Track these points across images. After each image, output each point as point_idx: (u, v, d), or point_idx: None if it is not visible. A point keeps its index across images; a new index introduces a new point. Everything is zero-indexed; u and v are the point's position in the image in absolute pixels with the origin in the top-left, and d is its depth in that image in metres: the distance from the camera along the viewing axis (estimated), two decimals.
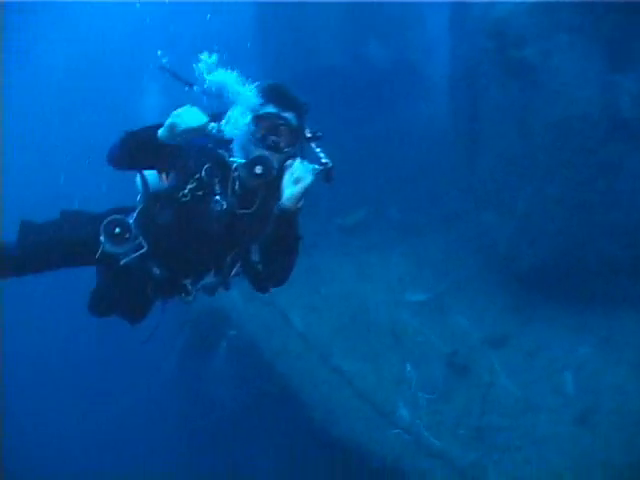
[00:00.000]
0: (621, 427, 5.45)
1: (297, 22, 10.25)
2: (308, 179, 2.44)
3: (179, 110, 2.50)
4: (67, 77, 15.76)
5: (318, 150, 2.64)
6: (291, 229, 2.54)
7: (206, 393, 8.09)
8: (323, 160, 2.57)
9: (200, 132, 2.52)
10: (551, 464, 5.30)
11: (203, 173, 2.62)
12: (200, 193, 2.61)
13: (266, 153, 2.56)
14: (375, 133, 10.31)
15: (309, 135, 2.69)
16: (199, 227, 2.65)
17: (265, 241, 2.62)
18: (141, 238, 2.71)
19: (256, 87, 2.59)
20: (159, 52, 2.76)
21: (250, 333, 7.61)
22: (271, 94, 2.62)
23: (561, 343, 6.63)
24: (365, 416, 6.41)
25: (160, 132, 2.53)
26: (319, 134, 2.68)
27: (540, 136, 7.35)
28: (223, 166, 2.63)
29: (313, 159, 2.61)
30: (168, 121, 2.50)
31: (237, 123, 2.59)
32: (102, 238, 2.66)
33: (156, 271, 2.73)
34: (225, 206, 2.59)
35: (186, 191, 2.62)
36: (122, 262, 2.70)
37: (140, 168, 2.77)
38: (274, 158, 2.55)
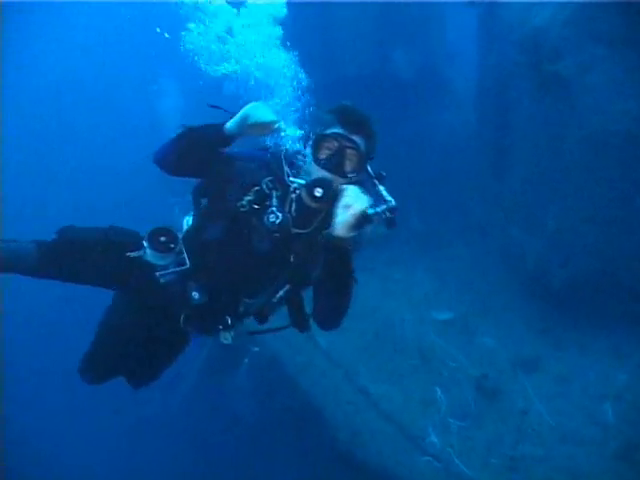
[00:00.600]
0: None
1: (325, 28, 10.05)
2: (361, 205, 2.25)
3: (253, 103, 2.44)
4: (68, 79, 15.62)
5: (382, 188, 2.44)
6: (343, 264, 2.37)
7: (228, 408, 7.91)
8: (387, 198, 2.37)
9: (269, 129, 2.46)
10: None
11: (264, 186, 2.48)
12: (257, 207, 2.46)
13: (328, 176, 2.40)
14: (398, 141, 10.12)
15: (372, 173, 2.52)
16: (249, 244, 2.49)
17: (316, 278, 2.47)
18: (185, 255, 2.52)
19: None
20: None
21: (273, 350, 7.42)
22: (341, 115, 2.48)
23: (596, 368, 6.40)
24: (392, 439, 6.22)
25: (229, 124, 2.44)
26: (383, 174, 2.51)
27: (574, 151, 7.14)
28: (282, 184, 2.50)
29: (375, 198, 2.43)
30: (242, 112, 2.42)
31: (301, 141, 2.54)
32: (145, 244, 2.48)
33: (195, 295, 2.50)
34: (280, 220, 2.42)
35: (244, 202, 2.47)
36: (160, 278, 2.50)
37: (190, 172, 2.61)
38: (337, 182, 2.40)
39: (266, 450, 7.58)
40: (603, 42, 6.85)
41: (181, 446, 8.25)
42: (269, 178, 2.49)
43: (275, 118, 2.43)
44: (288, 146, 2.57)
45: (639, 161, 6.63)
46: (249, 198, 2.45)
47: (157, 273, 2.49)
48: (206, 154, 2.50)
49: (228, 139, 2.47)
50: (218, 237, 2.51)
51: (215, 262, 2.52)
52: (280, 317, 2.81)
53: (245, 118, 2.40)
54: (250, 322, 2.79)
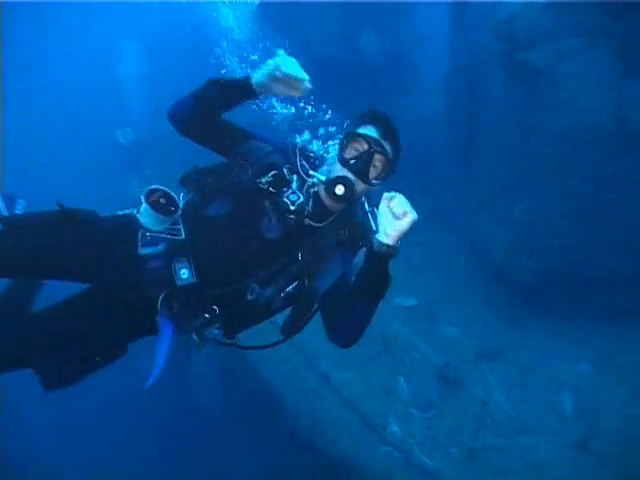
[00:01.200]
0: (622, 454, 5.24)
1: (294, 9, 9.81)
2: (414, 215, 2.13)
3: (284, 55, 2.25)
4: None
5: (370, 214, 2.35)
6: (383, 270, 2.20)
7: (188, 396, 7.72)
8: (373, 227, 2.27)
9: (298, 88, 2.25)
10: None
11: (285, 170, 2.32)
12: (273, 190, 2.28)
13: (351, 176, 2.25)
14: None
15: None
16: (256, 226, 2.29)
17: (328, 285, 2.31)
18: (180, 226, 2.28)
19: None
20: None
21: None
22: (375, 118, 2.35)
23: (559, 359, 6.41)
24: (353, 428, 6.13)
25: (257, 75, 2.25)
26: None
27: (545, 143, 7.08)
28: (299, 175, 2.34)
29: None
30: (271, 62, 2.22)
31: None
32: (142, 201, 2.22)
33: (183, 274, 2.19)
34: (301, 200, 2.26)
35: (263, 180, 2.28)
36: (144, 247, 2.23)
37: (205, 131, 2.39)
38: (358, 185, 2.26)
39: (227, 438, 7.44)
40: (580, 32, 6.77)
41: (144, 433, 8.04)
42: (288, 165, 2.34)
43: (305, 76, 2.23)
44: (300, 142, 2.46)
45: (610, 156, 6.60)
46: (268, 179, 2.28)
47: (141, 241, 2.23)
48: (227, 105, 2.33)
49: (253, 91, 2.27)
50: (223, 213, 2.31)
51: (214, 240, 2.27)
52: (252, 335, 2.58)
53: (275, 69, 2.19)
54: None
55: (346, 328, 2.31)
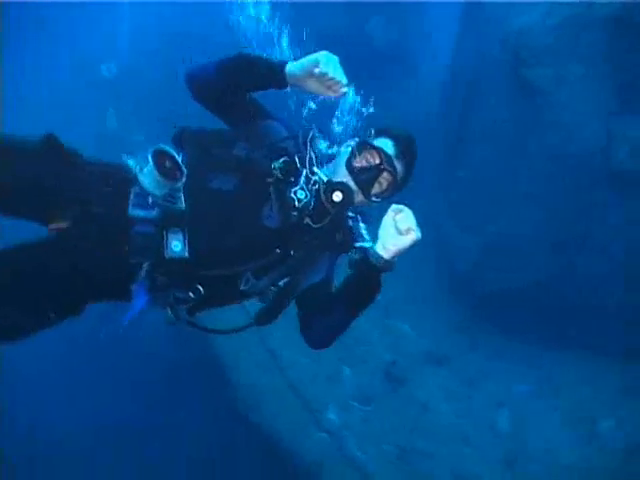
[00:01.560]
0: (541, 476, 5.44)
1: None
2: (418, 234, 2.03)
3: (328, 53, 2.08)
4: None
5: (362, 225, 2.29)
6: (371, 282, 2.13)
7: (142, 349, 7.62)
8: (365, 238, 2.22)
9: (334, 89, 2.10)
10: None
11: (296, 159, 2.19)
12: (281, 177, 2.16)
13: (353, 185, 2.16)
14: None
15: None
16: (257, 212, 2.16)
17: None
18: (181, 194, 2.09)
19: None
20: None
21: None
22: (397, 134, 2.24)
23: (501, 376, 6.56)
24: (292, 409, 6.18)
25: (292, 67, 2.08)
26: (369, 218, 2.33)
27: (531, 161, 7.15)
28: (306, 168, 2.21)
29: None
30: (312, 56, 2.07)
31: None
32: (149, 159, 2.00)
33: (176, 246, 2.05)
34: (306, 200, 2.14)
35: (275, 166, 2.15)
36: (135, 209, 2.04)
37: (221, 101, 2.25)
38: (357, 196, 2.17)
39: (176, 391, 7.39)
40: (585, 58, 6.81)
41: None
42: (299, 154, 2.21)
43: (347, 80, 2.09)
44: (317, 134, 2.28)
45: (591, 187, 6.71)
46: (279, 165, 2.15)
47: (134, 200, 2.06)
48: (252, 88, 2.20)
49: (284, 81, 2.12)
50: (227, 190, 2.15)
51: (214, 215, 2.13)
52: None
53: (314, 64, 2.04)
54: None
55: (321, 331, 2.27)
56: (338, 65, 2.07)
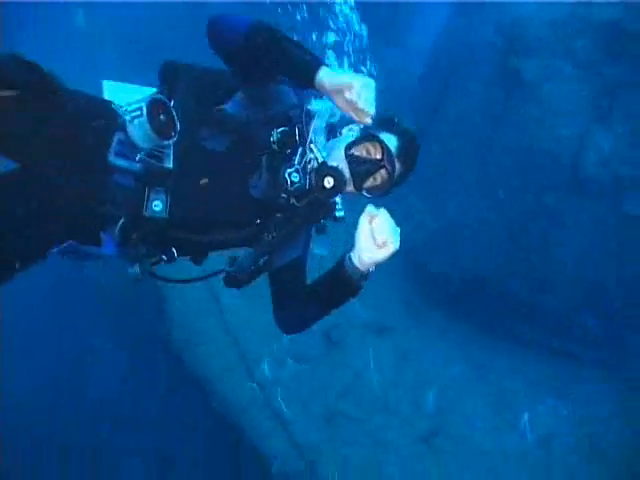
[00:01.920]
0: (457, 460, 5.62)
1: None
2: (396, 245, 1.86)
3: (370, 79, 1.87)
4: None
5: (338, 200, 2.18)
6: (345, 287, 1.99)
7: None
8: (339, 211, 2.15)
9: (360, 115, 1.88)
10: (386, 472, 5.37)
11: (296, 130, 2.00)
12: (276, 148, 1.99)
13: (346, 173, 2.00)
14: None
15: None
16: (244, 178, 2.01)
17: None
18: (171, 153, 1.91)
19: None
20: None
21: None
22: (404, 132, 2.07)
23: (437, 355, 6.68)
24: (226, 354, 6.13)
25: (325, 74, 1.86)
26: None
27: (502, 149, 7.16)
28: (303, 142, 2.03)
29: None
30: (352, 75, 1.86)
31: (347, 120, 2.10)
32: (144, 110, 1.81)
33: (157, 206, 1.90)
34: (298, 185, 1.98)
35: (274, 135, 1.98)
36: (117, 160, 1.85)
37: (234, 58, 2.02)
38: (349, 185, 2.01)
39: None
40: (576, 58, 6.78)
41: None
42: (299, 125, 2.03)
43: (374, 111, 1.89)
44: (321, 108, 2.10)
45: (556, 186, 6.78)
46: (277, 136, 1.98)
47: (117, 147, 1.86)
48: (278, 71, 1.99)
49: (309, 80, 1.90)
50: (220, 151, 1.98)
51: (201, 178, 1.96)
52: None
53: (347, 86, 1.85)
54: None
55: (294, 321, 2.19)
56: (372, 94, 1.89)
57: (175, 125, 1.88)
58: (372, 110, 1.87)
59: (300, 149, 2.02)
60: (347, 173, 2.00)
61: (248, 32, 1.91)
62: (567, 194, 6.67)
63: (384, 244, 1.85)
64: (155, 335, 6.49)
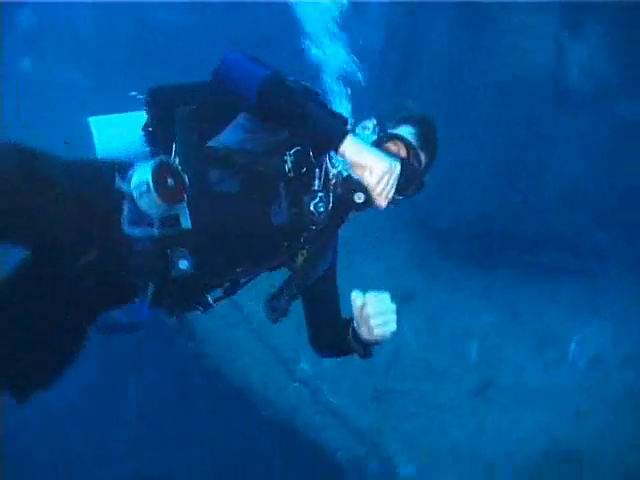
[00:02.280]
0: (514, 406, 5.61)
1: None
2: (393, 327, 1.85)
3: (397, 164, 1.80)
4: None
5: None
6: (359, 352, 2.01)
7: None
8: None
9: (376, 198, 1.81)
10: (448, 434, 5.37)
11: (310, 151, 1.87)
12: (290, 174, 1.86)
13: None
14: None
15: None
16: (266, 210, 1.90)
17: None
18: (186, 211, 1.78)
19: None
20: None
21: None
22: (418, 120, 1.99)
23: (466, 308, 6.63)
24: (263, 360, 6.11)
25: (350, 140, 1.75)
26: None
27: (481, 92, 7.02)
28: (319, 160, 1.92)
29: None
30: (378, 153, 1.79)
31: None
32: (149, 179, 1.68)
33: (183, 264, 1.79)
34: (319, 217, 1.87)
35: (288, 161, 1.85)
36: (132, 228, 1.76)
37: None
38: None
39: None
40: None
41: None
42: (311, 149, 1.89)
43: (385, 205, 1.85)
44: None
45: (543, 114, 6.66)
46: (291, 161, 1.85)
47: (129, 216, 1.76)
48: (287, 125, 1.85)
49: (331, 149, 1.80)
50: (235, 191, 1.86)
51: (222, 225, 1.87)
52: None
53: (372, 166, 1.75)
54: None
55: (328, 354, 2.32)
56: (394, 181, 1.79)
57: (185, 186, 1.76)
58: (390, 195, 1.80)
59: (317, 171, 1.90)
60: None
61: (261, 88, 1.77)
62: (556, 115, 6.54)
63: (380, 326, 1.83)
64: (188, 357, 6.47)
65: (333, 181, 1.91)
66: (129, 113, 2.05)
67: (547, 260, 6.87)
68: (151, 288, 1.82)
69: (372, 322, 1.81)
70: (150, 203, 1.71)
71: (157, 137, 1.96)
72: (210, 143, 1.90)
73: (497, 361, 6.00)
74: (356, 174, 1.80)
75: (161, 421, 6.93)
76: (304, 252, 1.98)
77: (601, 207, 6.80)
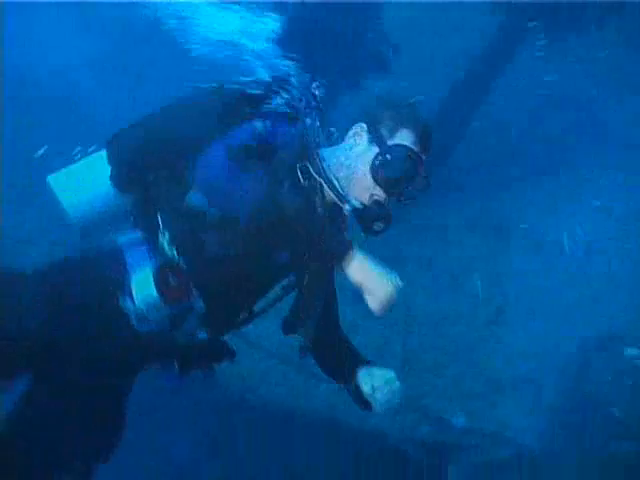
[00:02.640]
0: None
1: None
2: (397, 399, 1.93)
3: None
4: None
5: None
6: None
7: None
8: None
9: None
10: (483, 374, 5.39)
11: (307, 184, 1.79)
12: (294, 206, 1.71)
13: (383, 198, 1.82)
14: None
15: None
16: (269, 256, 1.83)
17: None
18: (194, 294, 1.74)
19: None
20: None
21: None
22: (414, 124, 1.88)
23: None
24: (286, 375, 6.09)
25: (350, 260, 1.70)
26: None
27: None
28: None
29: None
30: (376, 280, 1.71)
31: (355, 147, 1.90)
32: (154, 292, 1.65)
33: (202, 335, 1.81)
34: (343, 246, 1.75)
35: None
36: (142, 325, 1.72)
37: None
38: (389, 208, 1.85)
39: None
40: None
41: None
42: (302, 165, 1.80)
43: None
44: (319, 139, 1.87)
45: None
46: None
47: (137, 318, 1.71)
48: None
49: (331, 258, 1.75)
50: (234, 253, 1.76)
51: (228, 289, 1.81)
52: None
53: (372, 289, 1.70)
54: None
55: (330, 375, 2.34)
56: (393, 298, 1.73)
57: (189, 283, 1.71)
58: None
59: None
60: (383, 196, 1.83)
61: None
62: None
63: (375, 391, 1.92)
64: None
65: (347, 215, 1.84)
66: (88, 159, 1.92)
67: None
68: (176, 366, 1.86)
69: (379, 397, 1.91)
70: (158, 310, 1.69)
71: (140, 218, 1.87)
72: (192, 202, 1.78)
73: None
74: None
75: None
76: (308, 272, 1.91)
77: None
